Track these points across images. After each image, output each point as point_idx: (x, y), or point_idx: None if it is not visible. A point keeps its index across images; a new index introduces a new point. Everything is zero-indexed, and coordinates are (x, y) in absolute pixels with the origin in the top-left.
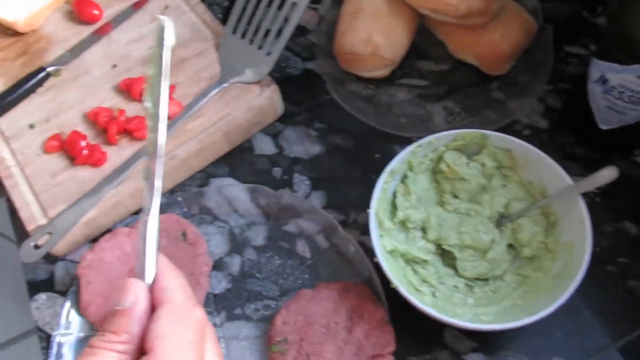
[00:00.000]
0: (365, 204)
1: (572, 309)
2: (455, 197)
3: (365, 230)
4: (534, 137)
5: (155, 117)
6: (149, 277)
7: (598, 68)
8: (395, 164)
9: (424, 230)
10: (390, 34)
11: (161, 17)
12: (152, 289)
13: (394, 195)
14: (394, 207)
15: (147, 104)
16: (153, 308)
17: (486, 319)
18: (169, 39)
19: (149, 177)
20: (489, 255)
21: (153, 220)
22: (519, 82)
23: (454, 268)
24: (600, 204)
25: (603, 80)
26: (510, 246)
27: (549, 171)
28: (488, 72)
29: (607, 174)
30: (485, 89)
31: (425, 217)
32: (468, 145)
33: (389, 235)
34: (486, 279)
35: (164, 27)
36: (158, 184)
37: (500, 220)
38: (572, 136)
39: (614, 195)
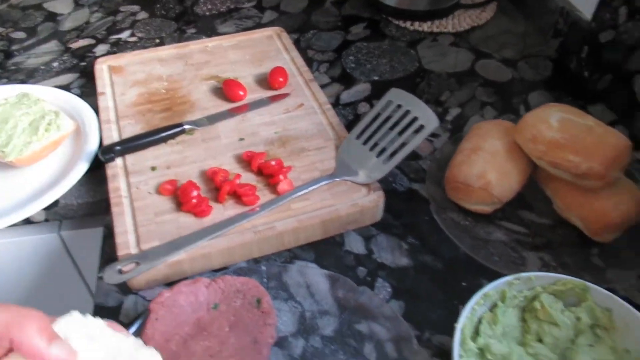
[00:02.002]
0: (443, 327)
1: None
2: (539, 341)
3: (438, 352)
4: None
5: None
6: None
7: None
8: (490, 288)
9: None
10: (503, 176)
11: None
12: None
13: (480, 321)
14: (476, 333)
15: None
16: None
17: None
18: None
19: None
20: None
21: None
22: (621, 255)
23: None
24: None
25: None
26: None
27: None
28: (591, 237)
29: None
30: (585, 252)
31: (507, 353)
32: (566, 293)
33: (468, 358)
34: None
35: None
36: None
37: None
38: None
39: None
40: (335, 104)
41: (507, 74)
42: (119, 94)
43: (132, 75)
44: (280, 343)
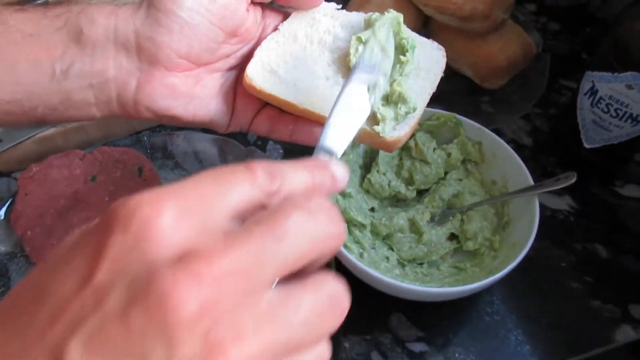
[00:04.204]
0: None
1: (531, 317)
2: (410, 178)
3: None
4: (516, 152)
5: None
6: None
7: (589, 79)
8: None
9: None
10: None
11: None
12: None
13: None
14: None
15: None
16: None
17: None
18: None
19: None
20: (424, 237)
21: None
22: (509, 100)
23: (392, 249)
24: (574, 223)
25: (593, 91)
26: (455, 237)
27: (514, 170)
28: (481, 85)
29: (566, 178)
30: (476, 100)
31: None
32: (441, 127)
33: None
34: (421, 263)
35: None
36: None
37: (450, 211)
38: (555, 157)
39: (589, 217)
40: None
41: None
42: None
43: None
44: None
